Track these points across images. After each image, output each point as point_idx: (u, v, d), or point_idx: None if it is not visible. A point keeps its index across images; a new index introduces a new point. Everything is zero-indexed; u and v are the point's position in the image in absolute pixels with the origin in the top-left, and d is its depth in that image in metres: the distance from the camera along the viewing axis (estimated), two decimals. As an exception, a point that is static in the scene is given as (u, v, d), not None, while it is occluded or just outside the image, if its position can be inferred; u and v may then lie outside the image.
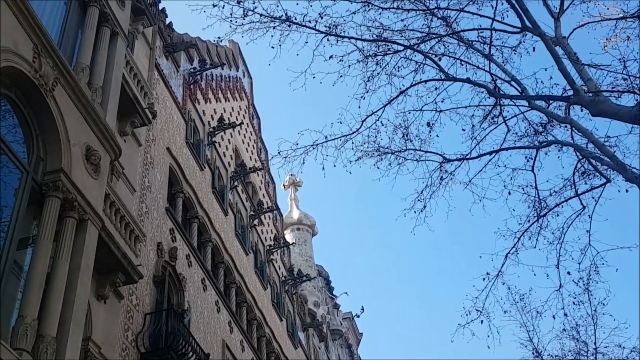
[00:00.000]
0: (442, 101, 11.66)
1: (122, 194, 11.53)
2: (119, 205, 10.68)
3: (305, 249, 37.09)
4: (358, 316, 41.41)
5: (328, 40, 11.19)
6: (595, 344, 17.68)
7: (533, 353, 18.27)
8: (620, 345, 17.50)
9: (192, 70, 19.87)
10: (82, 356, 9.60)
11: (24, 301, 7.63)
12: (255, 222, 24.07)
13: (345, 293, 40.74)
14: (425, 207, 12.13)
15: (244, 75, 27.93)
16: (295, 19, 11.10)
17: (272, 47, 11.22)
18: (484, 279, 12.29)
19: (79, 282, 8.53)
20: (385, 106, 11.56)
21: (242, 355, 19.02)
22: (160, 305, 13.74)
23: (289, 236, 35.69)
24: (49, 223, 8.18)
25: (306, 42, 11.18)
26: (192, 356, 13.13)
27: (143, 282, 12.84)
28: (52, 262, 8.27)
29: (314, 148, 11.77)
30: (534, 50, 11.16)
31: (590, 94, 9.91)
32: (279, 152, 11.63)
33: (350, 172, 12.56)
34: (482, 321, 12.44)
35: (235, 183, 22.15)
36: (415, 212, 12.17)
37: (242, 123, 24.49)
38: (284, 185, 40.82)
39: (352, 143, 11.92)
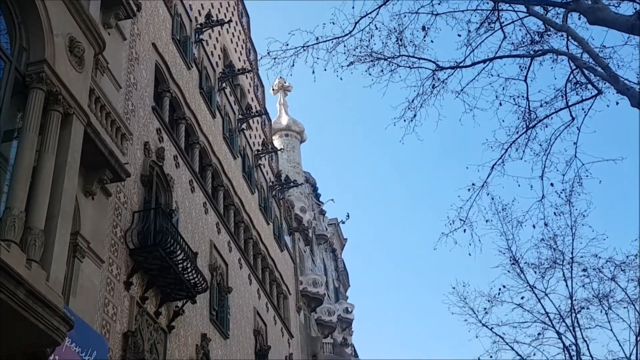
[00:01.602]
0: (439, 3, 11.32)
1: (107, 90, 11.28)
2: (104, 101, 10.49)
3: (293, 156, 37.22)
4: (343, 222, 42.37)
5: None
6: (572, 253, 18.31)
7: (510, 260, 18.91)
8: (596, 255, 18.14)
9: (178, -40, 18.97)
10: (71, 250, 9.77)
11: (11, 193, 7.62)
12: (244, 126, 23.94)
13: (332, 200, 41.54)
14: (415, 115, 12.05)
15: (233, -30, 26.77)
16: None
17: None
18: (469, 189, 12.45)
19: (66, 176, 8.51)
20: (380, 7, 11.20)
21: (230, 256, 19.49)
22: (148, 204, 13.86)
23: (277, 142, 35.71)
24: (33, 115, 8.05)
25: None
26: (181, 254, 13.38)
27: (130, 180, 12.87)
28: (38, 156, 8.22)
29: (304, 50, 11.50)
30: (536, -49, 10.70)
31: (590, 1, 9.66)
32: (268, 53, 11.36)
33: (341, 78, 12.36)
34: (464, 230, 12.70)
35: (223, 85, 21.79)
36: (405, 120, 12.10)
37: (230, 21, 23.73)
38: (273, 90, 40.32)
39: (345, 47, 11.65)
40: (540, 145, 12.29)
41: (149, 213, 13.28)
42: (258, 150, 26.07)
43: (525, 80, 11.86)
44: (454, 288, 19.98)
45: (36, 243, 7.70)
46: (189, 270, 13.69)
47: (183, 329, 14.60)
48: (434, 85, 11.97)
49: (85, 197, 10.50)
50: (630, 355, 18.56)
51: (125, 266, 12.30)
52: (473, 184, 12.57)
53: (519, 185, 13.04)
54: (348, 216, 42.65)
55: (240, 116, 23.66)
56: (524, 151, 12.26)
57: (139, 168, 13.81)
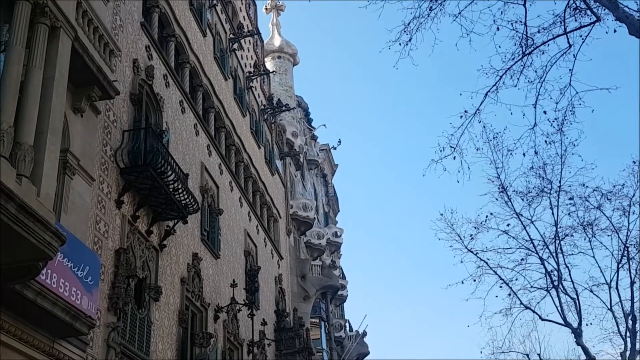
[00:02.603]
0: None
1: (95, 4, 10.87)
2: (91, 15, 10.17)
3: (286, 79, 36.70)
4: (335, 148, 42.32)
5: None
6: (559, 182, 18.57)
7: (499, 188, 19.16)
8: (583, 184, 18.43)
9: None
10: (61, 167, 9.74)
11: (-1, 107, 7.51)
12: (235, 46, 23.43)
13: (324, 125, 41.26)
14: (411, 39, 11.82)
15: None
16: None
17: None
18: (461, 116, 12.37)
19: (54, 91, 8.41)
20: None
21: (221, 178, 19.57)
22: (138, 123, 13.73)
23: (269, 64, 35.09)
24: (20, 28, 7.87)
25: None
26: (171, 175, 13.39)
27: (120, 99, 12.70)
28: (25, 71, 8.08)
29: (299, -34, 11.11)
30: None
31: None
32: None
33: (335, -4, 11.97)
34: (454, 157, 12.71)
35: (214, 1, 21.14)
36: (400, 44, 11.88)
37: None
38: (265, 9, 39.25)
39: (341, -37, 11.27)
40: (535, 72, 12.17)
41: (139, 132, 13.18)
42: (250, 72, 25.66)
43: (524, 5, 11.60)
44: (441, 215, 20.30)
45: (26, 158, 7.68)
46: (180, 191, 13.74)
47: (174, 248, 14.84)
48: (431, 7, 11.68)
49: (74, 114, 10.37)
50: (611, 281, 19.22)
51: (115, 185, 12.33)
52: (465, 111, 12.49)
53: (511, 113, 13.02)
54: (340, 142, 42.60)
55: (231, 36, 23.11)
56: (518, 78, 12.15)
57: (128, 86, 13.59)
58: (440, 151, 12.63)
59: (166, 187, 13.19)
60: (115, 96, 11.34)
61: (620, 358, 18.57)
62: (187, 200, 14.08)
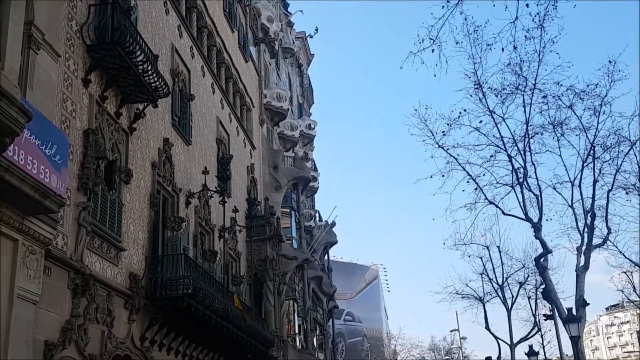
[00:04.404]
0: None
1: None
2: None
3: (262, -40, 34.84)
4: (311, 36, 41.24)
5: None
6: (535, 80, 18.51)
7: (474, 84, 19.04)
8: (558, 83, 18.43)
9: None
10: (26, 40, 9.27)
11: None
12: None
13: (301, 11, 39.87)
14: None
15: None
16: None
17: None
18: (443, 6, 11.99)
19: (13, -43, 7.83)
20: None
21: (192, 62, 19.02)
22: (104, -2, 13.03)
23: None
24: None
25: None
26: (140, 55, 12.93)
27: (85, -30, 11.95)
28: None
29: None
30: None
31: None
32: None
33: None
34: (433, 50, 12.44)
35: None
36: None
37: None
38: None
39: None
40: (522, -38, 11.76)
41: (105, 7, 12.53)
42: (224, -49, 24.28)
43: None
44: (415, 110, 20.25)
45: (-14, 32, 7.27)
46: (150, 72, 13.34)
47: (145, 132, 14.63)
48: None
49: (36, -16, 9.73)
50: (574, 179, 19.75)
51: (82, 62, 11.87)
52: (448, 1, 12.12)
53: (493, 5, 12.73)
54: (316, 30, 41.51)
55: None
56: (504, -33, 11.75)
57: (94, -43, 12.75)
58: (420, 43, 12.35)
59: (135, 67, 12.78)
60: (79, -34, 10.65)
61: (576, 252, 19.44)
62: (157, 83, 13.72)
